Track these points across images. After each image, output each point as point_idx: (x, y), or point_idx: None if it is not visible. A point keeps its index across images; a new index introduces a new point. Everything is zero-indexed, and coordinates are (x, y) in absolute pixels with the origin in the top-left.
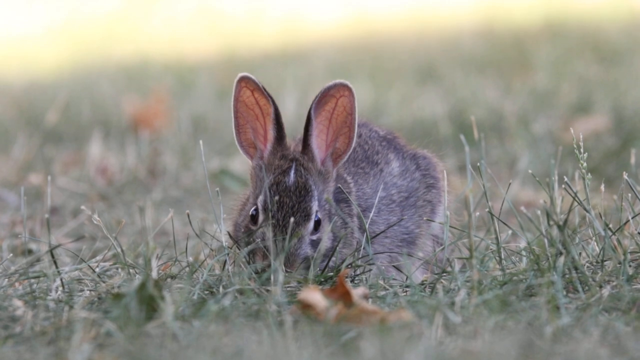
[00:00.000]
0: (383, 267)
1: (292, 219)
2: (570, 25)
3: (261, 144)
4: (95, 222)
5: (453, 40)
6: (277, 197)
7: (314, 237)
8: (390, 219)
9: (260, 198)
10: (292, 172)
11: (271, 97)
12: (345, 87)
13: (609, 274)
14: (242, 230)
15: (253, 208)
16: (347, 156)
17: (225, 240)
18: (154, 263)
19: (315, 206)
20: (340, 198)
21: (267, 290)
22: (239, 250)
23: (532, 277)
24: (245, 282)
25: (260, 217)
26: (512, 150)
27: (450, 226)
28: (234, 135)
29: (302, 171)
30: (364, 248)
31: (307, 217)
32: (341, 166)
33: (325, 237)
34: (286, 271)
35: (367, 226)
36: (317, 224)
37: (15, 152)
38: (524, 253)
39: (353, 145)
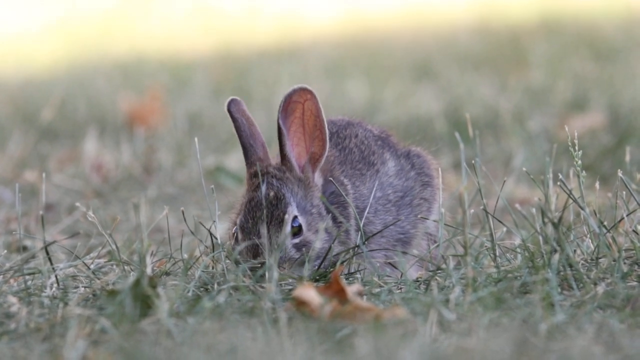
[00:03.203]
0: (378, 265)
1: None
2: (566, 22)
3: None
4: (90, 219)
5: (448, 38)
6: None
7: (297, 241)
8: (387, 219)
9: (239, 217)
10: (264, 185)
11: (233, 118)
12: (305, 90)
13: (603, 272)
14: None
15: (234, 228)
16: (324, 158)
17: (220, 237)
18: (149, 260)
19: (291, 212)
20: (337, 201)
21: (262, 288)
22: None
23: (527, 275)
24: (240, 279)
25: (240, 236)
26: (507, 147)
27: (444, 223)
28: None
29: (274, 182)
30: (359, 247)
31: (283, 222)
32: (338, 168)
33: (320, 237)
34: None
35: (361, 226)
36: (298, 229)
37: (10, 149)
38: (518, 250)
39: (327, 147)
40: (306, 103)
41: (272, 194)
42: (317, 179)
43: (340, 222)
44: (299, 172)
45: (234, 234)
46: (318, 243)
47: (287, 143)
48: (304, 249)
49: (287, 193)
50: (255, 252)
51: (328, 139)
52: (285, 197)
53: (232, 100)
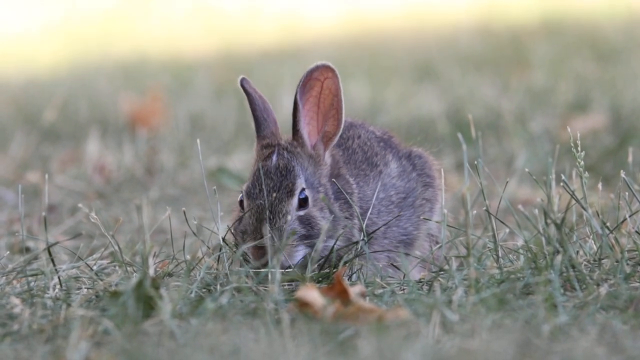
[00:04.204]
0: (380, 266)
1: (274, 195)
2: (568, 23)
3: None
4: (92, 220)
5: (450, 38)
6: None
7: (302, 213)
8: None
9: (246, 184)
10: (275, 155)
11: (247, 92)
12: (328, 68)
13: (606, 273)
14: (233, 222)
15: (240, 195)
16: (336, 138)
17: (222, 238)
18: (152, 261)
19: (299, 184)
20: (341, 197)
21: (265, 289)
22: (236, 249)
23: (530, 276)
24: (243, 280)
25: (245, 203)
26: (510, 148)
27: (447, 224)
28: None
29: (285, 154)
30: (362, 248)
31: (289, 193)
32: (344, 167)
33: (327, 216)
34: (273, 244)
35: (364, 227)
36: (304, 201)
37: (12, 150)
38: (521, 251)
39: (342, 127)
40: (326, 81)
41: (282, 163)
42: (327, 158)
43: (345, 217)
44: (310, 149)
45: (240, 201)
46: (325, 221)
47: (301, 119)
48: (308, 223)
49: (297, 166)
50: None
51: (343, 119)
52: (295, 169)
53: (243, 78)
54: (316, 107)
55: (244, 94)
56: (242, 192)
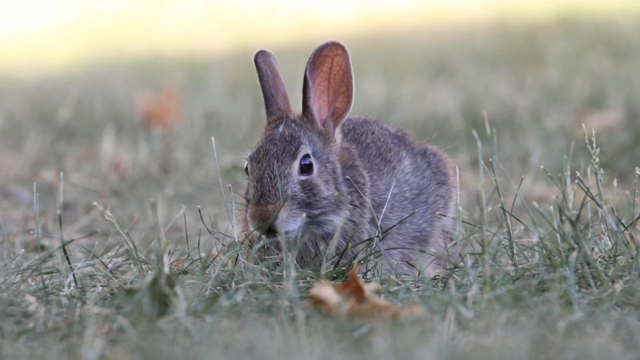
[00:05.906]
0: (395, 263)
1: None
2: (583, 19)
3: None
4: (107, 218)
5: (465, 35)
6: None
7: (304, 178)
8: (403, 216)
9: (252, 151)
10: (282, 125)
11: (258, 68)
12: (337, 45)
13: (621, 269)
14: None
15: (246, 163)
16: (347, 115)
17: (237, 235)
18: (166, 259)
19: (303, 149)
20: (354, 187)
21: (280, 286)
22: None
23: (545, 273)
24: (258, 278)
25: (249, 167)
26: (525, 145)
27: (462, 221)
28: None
29: (293, 125)
30: (376, 244)
31: (292, 156)
32: (358, 159)
33: (341, 214)
34: (268, 203)
35: (379, 222)
36: (307, 167)
37: (27, 148)
38: (536, 248)
39: (352, 104)
40: (336, 58)
41: (287, 132)
42: (337, 135)
43: (355, 206)
44: (320, 125)
45: (245, 168)
46: (326, 192)
47: (311, 95)
48: (309, 190)
49: (304, 136)
50: (264, 217)
51: (353, 96)
52: (300, 137)
53: (260, 52)
54: (326, 83)
55: (256, 92)
56: (247, 159)
